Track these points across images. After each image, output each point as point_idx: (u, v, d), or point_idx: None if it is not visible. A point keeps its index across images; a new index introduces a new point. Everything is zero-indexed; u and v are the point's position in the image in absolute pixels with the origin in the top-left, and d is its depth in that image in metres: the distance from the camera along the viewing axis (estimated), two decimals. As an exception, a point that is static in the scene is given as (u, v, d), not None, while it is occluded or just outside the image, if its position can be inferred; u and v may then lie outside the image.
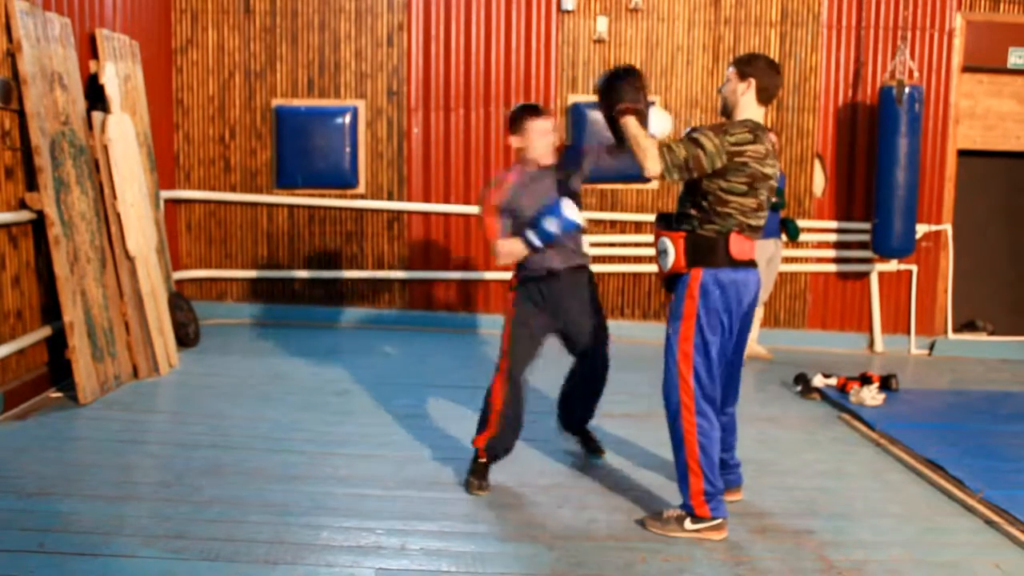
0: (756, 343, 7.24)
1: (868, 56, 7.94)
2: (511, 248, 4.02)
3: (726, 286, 3.59)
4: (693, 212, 3.62)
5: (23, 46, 4.86)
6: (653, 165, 3.49)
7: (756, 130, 3.57)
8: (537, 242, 3.92)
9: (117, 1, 6.38)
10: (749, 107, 3.67)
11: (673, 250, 3.62)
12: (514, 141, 4.10)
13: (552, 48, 7.84)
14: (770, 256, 6.90)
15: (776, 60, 7.90)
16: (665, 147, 3.50)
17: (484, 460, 4.11)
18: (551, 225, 3.88)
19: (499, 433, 4.07)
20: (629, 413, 5.46)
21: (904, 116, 7.46)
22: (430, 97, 7.83)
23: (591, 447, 4.57)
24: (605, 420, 5.32)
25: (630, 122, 3.61)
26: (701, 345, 3.59)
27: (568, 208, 3.86)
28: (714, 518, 3.64)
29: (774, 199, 6.37)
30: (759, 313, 7.18)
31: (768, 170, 3.58)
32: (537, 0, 7.78)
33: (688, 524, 3.64)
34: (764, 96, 3.66)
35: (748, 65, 3.69)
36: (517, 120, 4.07)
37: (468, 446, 4.64)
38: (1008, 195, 8.46)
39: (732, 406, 3.98)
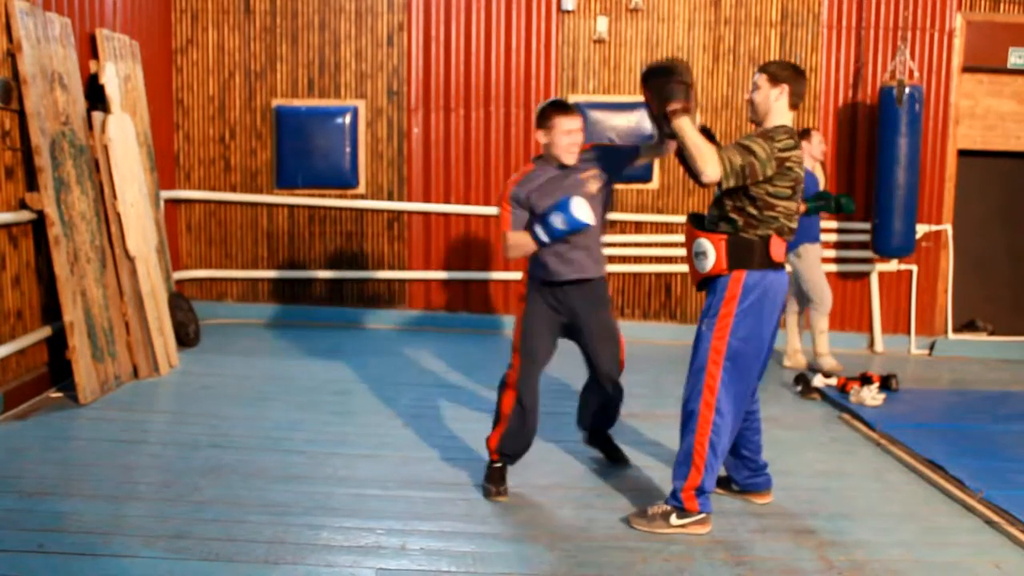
0: (801, 354, 7.04)
1: (868, 56, 7.94)
2: (519, 241, 3.95)
3: (767, 288, 3.62)
4: (735, 216, 3.62)
5: (23, 46, 4.86)
6: (713, 171, 3.46)
7: (795, 135, 3.65)
8: (544, 237, 3.85)
9: (117, 1, 6.39)
10: (782, 112, 3.70)
11: (713, 252, 3.62)
12: (540, 136, 4.01)
13: (552, 48, 7.84)
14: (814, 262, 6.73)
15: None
16: (725, 154, 3.48)
17: (499, 464, 4.08)
18: (558, 221, 3.81)
19: (510, 430, 4.04)
20: (628, 413, 5.45)
21: (904, 116, 7.45)
22: (430, 97, 7.83)
23: (615, 456, 4.53)
24: (605, 420, 5.33)
25: (686, 124, 3.52)
26: (736, 345, 3.60)
27: (577, 207, 3.79)
28: (700, 512, 3.67)
29: (821, 203, 6.29)
30: (823, 324, 6.91)
31: (801, 172, 3.68)
32: (537, 0, 7.78)
33: (674, 519, 3.66)
34: (795, 101, 3.72)
35: (781, 70, 3.71)
36: (545, 115, 3.99)
37: (468, 446, 4.66)
38: (1008, 195, 8.46)
39: (757, 404, 4.00)
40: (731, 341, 3.60)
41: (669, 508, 3.69)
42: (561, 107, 4.01)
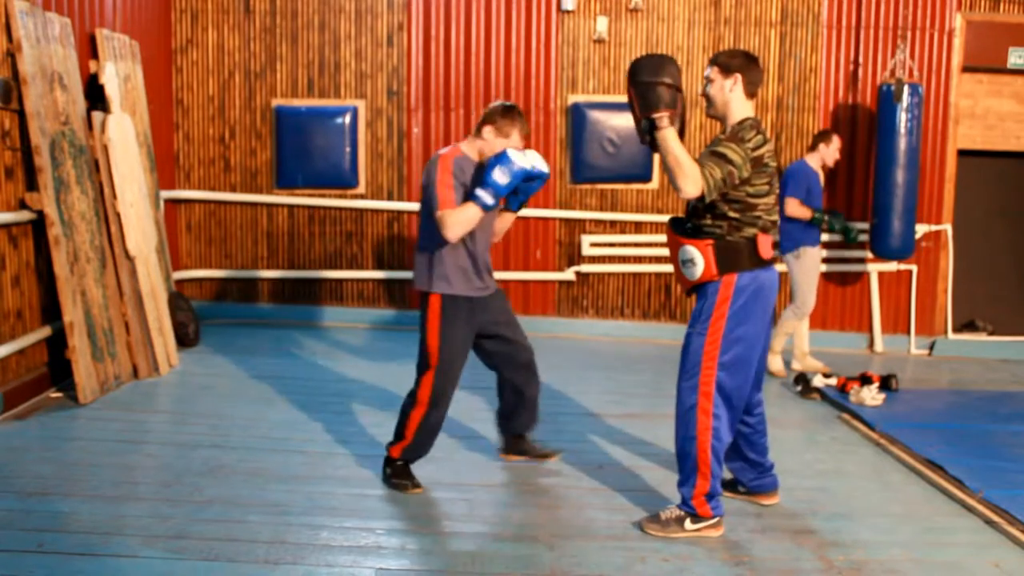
0: (810, 356, 7.03)
1: (868, 56, 7.94)
2: (464, 216, 3.70)
3: (759, 288, 3.59)
4: (717, 222, 3.57)
5: (23, 46, 4.86)
6: (693, 188, 3.41)
7: (761, 128, 3.60)
8: (489, 199, 3.64)
9: (117, 1, 6.38)
10: (740, 103, 3.63)
11: (701, 259, 3.57)
12: (489, 134, 3.84)
13: (552, 48, 7.84)
14: (815, 264, 6.73)
15: (776, 60, 7.99)
16: (706, 169, 3.43)
17: (402, 462, 4.02)
18: (500, 176, 3.61)
19: (414, 444, 3.98)
20: (628, 413, 5.46)
21: (903, 115, 7.45)
22: (430, 97, 7.83)
23: (542, 453, 4.40)
24: (603, 420, 5.32)
25: (670, 136, 3.45)
26: (730, 349, 3.57)
27: (515, 154, 3.60)
28: (714, 516, 3.65)
29: (836, 227, 6.46)
30: (806, 325, 6.98)
31: (775, 164, 3.64)
32: (537, 0, 7.78)
33: (688, 524, 3.64)
34: (751, 89, 3.64)
35: (731, 59, 3.63)
36: (507, 118, 3.85)
37: (468, 446, 4.64)
38: (1008, 195, 8.46)
39: (761, 407, 3.96)
40: (724, 344, 3.56)
41: (683, 513, 3.66)
42: (524, 126, 3.88)
